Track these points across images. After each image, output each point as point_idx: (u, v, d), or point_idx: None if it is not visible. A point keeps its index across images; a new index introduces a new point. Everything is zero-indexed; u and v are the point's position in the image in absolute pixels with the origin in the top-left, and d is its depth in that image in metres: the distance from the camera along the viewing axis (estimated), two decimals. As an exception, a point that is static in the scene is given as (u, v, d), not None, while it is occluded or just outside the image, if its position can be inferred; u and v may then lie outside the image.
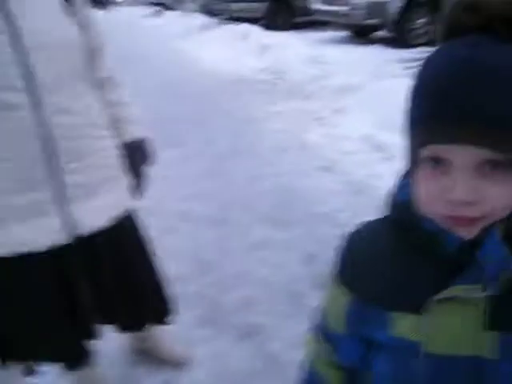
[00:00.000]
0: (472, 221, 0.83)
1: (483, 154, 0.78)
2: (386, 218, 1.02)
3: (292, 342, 2.79)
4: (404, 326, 0.93)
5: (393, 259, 0.97)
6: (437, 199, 0.83)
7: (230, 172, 5.23)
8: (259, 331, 2.99)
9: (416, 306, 0.91)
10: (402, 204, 0.96)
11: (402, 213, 0.95)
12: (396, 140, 4.85)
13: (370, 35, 12.22)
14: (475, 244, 0.87)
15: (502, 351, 0.88)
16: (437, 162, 0.82)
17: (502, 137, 0.77)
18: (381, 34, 11.84)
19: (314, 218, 4.26)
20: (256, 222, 4.23)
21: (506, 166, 0.79)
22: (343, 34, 12.75)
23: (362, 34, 12.31)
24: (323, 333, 1.13)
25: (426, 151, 0.82)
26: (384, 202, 1.04)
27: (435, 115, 0.79)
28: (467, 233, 0.85)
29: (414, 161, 0.86)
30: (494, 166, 0.79)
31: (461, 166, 0.79)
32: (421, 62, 0.89)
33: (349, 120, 6.12)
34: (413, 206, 0.92)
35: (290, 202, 4.54)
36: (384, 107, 5.59)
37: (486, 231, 0.86)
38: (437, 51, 0.86)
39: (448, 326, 0.90)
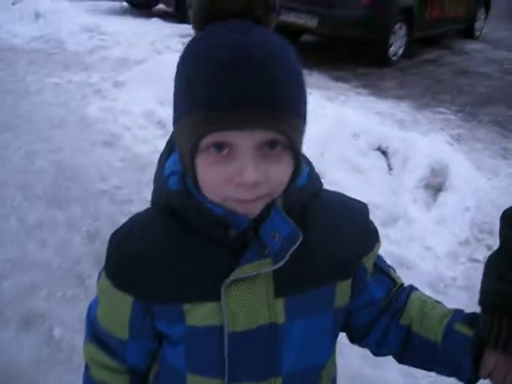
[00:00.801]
0: (258, 199, 0.87)
1: (266, 135, 0.81)
2: (157, 209, 0.99)
3: (76, 326, 2.71)
4: (200, 314, 0.95)
5: (175, 251, 0.95)
6: (224, 184, 0.85)
7: (2, 149, 4.84)
8: (42, 318, 2.87)
9: (209, 293, 0.94)
10: (176, 193, 0.94)
11: (179, 201, 0.94)
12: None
13: (152, 8, 12.03)
14: (259, 222, 0.93)
15: (287, 314, 0.97)
16: (220, 147, 0.83)
17: (283, 118, 0.81)
18: (160, 7, 11.74)
19: (94, 195, 4.15)
20: (33, 202, 4.01)
21: (283, 145, 0.84)
22: (120, 4, 12.38)
23: (139, 6, 12.06)
24: (102, 340, 1.07)
25: (210, 138, 0.82)
26: (154, 192, 1.00)
27: (220, 102, 0.79)
28: (251, 211, 0.90)
29: (193, 148, 0.83)
30: (273, 146, 0.83)
31: (245, 148, 0.82)
32: (185, 49, 0.89)
33: (129, 94, 6.00)
34: (189, 194, 0.92)
35: (68, 180, 4.37)
36: (164, 82, 5.59)
37: (268, 208, 0.92)
38: (206, 36, 0.85)
39: (244, 303, 0.94)
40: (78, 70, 7.35)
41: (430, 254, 3.66)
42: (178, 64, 0.89)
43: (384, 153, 4.38)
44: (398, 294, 1.14)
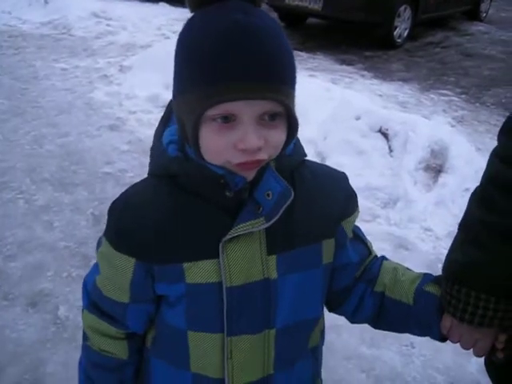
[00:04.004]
0: (260, 162, 0.94)
1: (266, 106, 0.89)
2: (155, 177, 1.04)
3: (81, 305, 2.75)
4: (200, 271, 1.00)
5: (174, 214, 1.00)
6: (227, 149, 0.91)
7: (11, 134, 4.90)
8: (48, 297, 2.92)
9: (208, 251, 1.00)
10: (176, 158, 1.00)
11: (179, 166, 0.99)
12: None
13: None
14: (253, 184, 0.99)
15: (279, 270, 1.03)
16: (226, 118, 0.89)
17: (282, 90, 0.89)
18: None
19: (100, 178, 4.20)
20: (40, 185, 4.06)
21: (281, 115, 0.92)
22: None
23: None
24: (101, 308, 1.11)
25: (215, 110, 0.88)
26: (152, 161, 1.06)
27: (224, 75, 0.86)
28: (251, 174, 0.96)
29: (198, 119, 0.89)
30: (272, 117, 0.91)
31: (248, 118, 0.89)
32: (187, 25, 0.94)
33: (135, 78, 6.02)
34: (188, 159, 0.99)
35: (74, 164, 4.42)
36: (170, 67, 5.58)
37: (261, 171, 0.98)
38: (205, 16, 0.91)
39: (240, 259, 1.00)
40: (84, 56, 7.38)
41: (430, 235, 3.68)
42: (180, 39, 0.94)
43: (385, 135, 4.37)
44: (372, 264, 1.21)
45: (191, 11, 0.95)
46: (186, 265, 1.00)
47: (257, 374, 1.08)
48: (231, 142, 0.90)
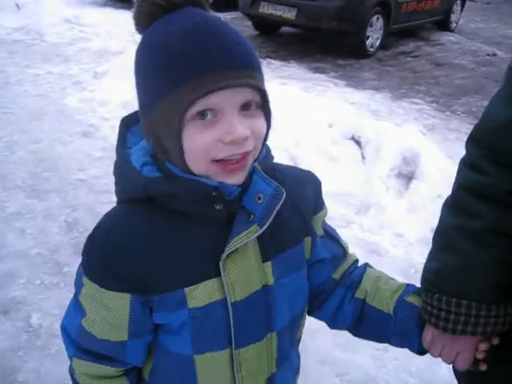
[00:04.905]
0: (245, 158, 0.93)
1: (246, 94, 0.90)
2: (130, 203, 0.98)
3: (54, 312, 2.75)
4: (202, 294, 0.96)
5: (163, 239, 0.96)
6: (214, 145, 0.89)
7: (-18, 140, 4.82)
8: (20, 305, 2.88)
9: (208, 271, 0.97)
10: (157, 179, 0.95)
11: (162, 186, 0.94)
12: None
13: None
14: (243, 193, 0.98)
15: (275, 275, 1.03)
16: (203, 114, 0.89)
17: (256, 76, 0.90)
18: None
19: (72, 185, 4.16)
20: (12, 192, 4.01)
21: (256, 107, 0.93)
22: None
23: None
24: (94, 351, 1.03)
25: (196, 107, 0.87)
26: (124, 187, 1.01)
27: (203, 69, 0.86)
28: (240, 176, 0.94)
29: (180, 121, 0.88)
30: (248, 107, 0.91)
31: (230, 109, 0.89)
32: (148, 36, 0.94)
33: (108, 85, 5.99)
34: (172, 177, 0.94)
35: (47, 170, 4.37)
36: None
37: (250, 177, 0.98)
38: (168, 23, 0.92)
39: (240, 272, 0.99)
40: (57, 62, 7.32)
41: (402, 240, 3.72)
42: (140, 54, 0.94)
43: (357, 142, 4.42)
44: (353, 269, 1.21)
45: (140, 31, 0.96)
46: (186, 290, 0.95)
47: (263, 376, 1.08)
48: (216, 137, 0.89)
